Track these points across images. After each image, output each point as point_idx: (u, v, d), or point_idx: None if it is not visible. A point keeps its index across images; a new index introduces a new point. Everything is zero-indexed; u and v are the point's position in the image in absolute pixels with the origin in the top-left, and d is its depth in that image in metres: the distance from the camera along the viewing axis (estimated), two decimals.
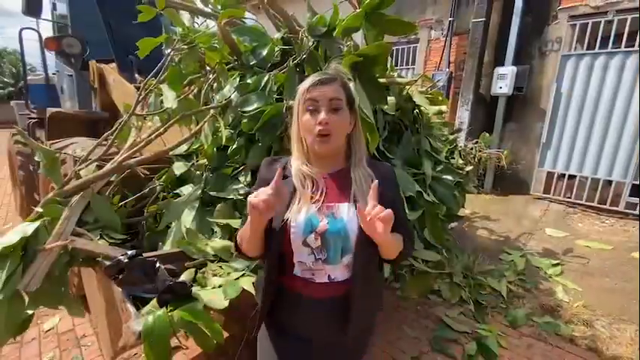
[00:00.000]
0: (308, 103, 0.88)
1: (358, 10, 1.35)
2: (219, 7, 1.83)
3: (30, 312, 1.26)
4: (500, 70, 4.23)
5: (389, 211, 0.77)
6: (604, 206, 3.78)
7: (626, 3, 3.49)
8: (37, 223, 1.32)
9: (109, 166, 1.58)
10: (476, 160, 3.38)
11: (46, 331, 2.24)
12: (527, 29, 4.15)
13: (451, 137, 3.07)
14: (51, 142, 2.47)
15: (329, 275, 0.92)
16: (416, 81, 1.92)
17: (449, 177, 1.95)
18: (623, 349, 2.13)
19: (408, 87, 1.97)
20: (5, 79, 23.72)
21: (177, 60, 1.77)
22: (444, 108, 2.38)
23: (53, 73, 4.87)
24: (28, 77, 3.60)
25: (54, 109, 2.93)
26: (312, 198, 0.92)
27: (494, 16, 4.40)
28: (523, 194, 4.38)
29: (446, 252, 2.21)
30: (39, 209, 1.39)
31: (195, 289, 1.20)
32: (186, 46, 1.70)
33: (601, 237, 3.42)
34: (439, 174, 1.95)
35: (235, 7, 1.74)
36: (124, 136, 1.76)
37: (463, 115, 4.57)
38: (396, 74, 2.18)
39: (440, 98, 2.41)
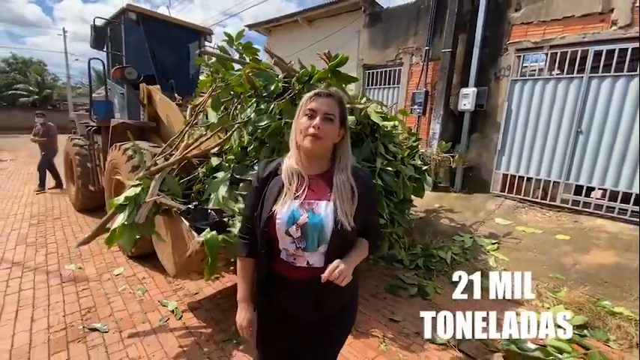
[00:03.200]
0: (308, 110, 1.05)
1: (326, 68, 2.33)
2: (245, 57, 2.83)
3: (138, 236, 2.23)
4: (464, 90, 5.17)
5: (341, 270, 0.97)
6: (545, 201, 4.64)
7: (558, 40, 4.41)
8: (139, 188, 2.29)
9: (174, 158, 2.57)
10: (434, 161, 4.32)
11: (116, 275, 3.20)
12: (485, 58, 5.10)
13: (413, 144, 4.06)
14: (119, 143, 3.47)
15: (307, 261, 1.07)
16: (368, 106, 2.85)
17: (390, 169, 2.83)
18: (534, 300, 2.95)
19: (365, 108, 2.91)
20: (31, 88, 25.48)
21: (217, 91, 2.75)
22: (396, 123, 3.32)
23: (98, 92, 5.96)
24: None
25: (117, 120, 3.96)
26: (296, 194, 1.07)
27: (460, 46, 5.36)
28: (485, 192, 5.25)
29: (397, 226, 3.13)
30: (138, 182, 2.36)
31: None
32: (223, 83, 2.69)
33: (537, 224, 4.28)
34: (386, 167, 2.86)
35: (255, 59, 2.73)
36: (182, 140, 2.74)
37: (435, 127, 5.50)
38: (363, 101, 3.15)
39: (394, 116, 3.34)
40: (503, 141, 5.01)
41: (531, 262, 3.52)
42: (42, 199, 6.00)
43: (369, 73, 7.01)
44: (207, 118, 2.79)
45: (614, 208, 4.14)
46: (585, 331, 2.51)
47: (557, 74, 4.48)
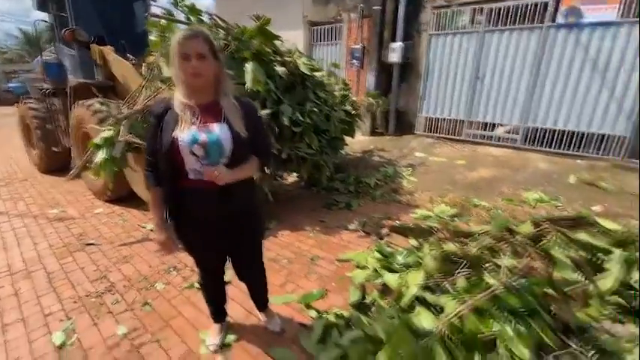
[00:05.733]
0: (182, 53, 1.19)
1: (254, 27, 2.95)
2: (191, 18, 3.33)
3: (115, 169, 2.87)
4: (392, 44, 5.92)
5: (219, 172, 1.24)
6: (454, 137, 5.74)
7: None
8: (112, 131, 2.89)
9: (136, 107, 3.14)
10: (363, 107, 5.17)
11: (97, 213, 3.82)
12: (409, 15, 5.82)
13: (344, 93, 4.84)
14: (82, 101, 3.89)
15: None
16: (293, 55, 3.52)
17: (316, 110, 3.59)
18: (423, 202, 4.01)
19: (293, 59, 3.57)
20: None
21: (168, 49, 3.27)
22: (324, 73, 4.04)
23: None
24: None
25: (77, 81, 4.30)
26: (192, 121, 1.25)
27: (390, 4, 6.01)
28: (411, 134, 6.27)
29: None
30: (110, 127, 2.95)
31: None
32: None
33: (445, 155, 5.37)
34: (313, 109, 3.61)
35: (199, 20, 3.25)
36: (142, 93, 3.28)
37: (370, 79, 6.29)
38: (295, 56, 3.80)
39: (318, 67, 4.05)
40: (424, 89, 5.93)
41: (433, 181, 4.59)
42: (0, 166, 6.17)
43: (314, 29, 7.48)
44: (162, 73, 3.33)
45: (507, 138, 5.31)
46: (455, 218, 3.61)
47: (462, 29, 5.33)
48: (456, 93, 5.60)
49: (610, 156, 4.48)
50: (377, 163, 5.41)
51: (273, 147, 3.13)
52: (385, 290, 2.07)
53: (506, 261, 1.68)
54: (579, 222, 1.97)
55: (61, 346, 1.84)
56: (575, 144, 4.74)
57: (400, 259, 2.31)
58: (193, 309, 2.13)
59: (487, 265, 1.74)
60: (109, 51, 4.36)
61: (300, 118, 3.41)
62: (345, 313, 1.92)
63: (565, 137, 4.79)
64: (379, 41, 6.12)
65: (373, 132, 6.73)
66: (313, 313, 2.02)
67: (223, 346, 1.79)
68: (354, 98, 5.03)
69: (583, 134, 4.65)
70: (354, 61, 6.57)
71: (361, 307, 1.95)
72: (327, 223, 3.47)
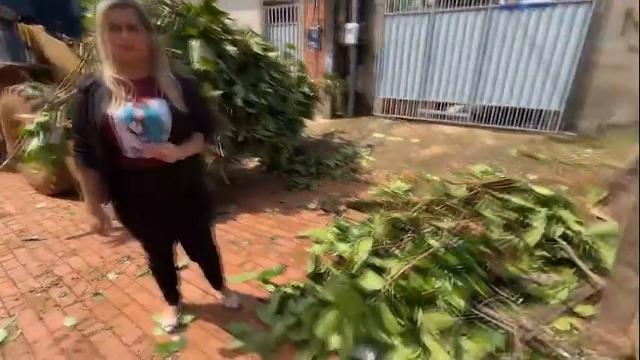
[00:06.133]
0: (110, 24, 1.11)
1: (200, 3, 2.83)
2: None
3: (53, 157, 2.68)
4: (347, 25, 5.93)
5: (165, 148, 1.21)
6: (410, 117, 5.95)
7: None
8: (48, 117, 2.68)
9: (73, 92, 2.92)
10: (319, 89, 5.18)
11: (40, 208, 3.55)
12: None
13: (301, 75, 4.81)
14: (12, 87, 3.54)
15: None
16: (245, 35, 3.44)
17: (270, 91, 3.55)
18: (383, 181, 4.15)
19: (245, 39, 3.48)
20: None
21: None
22: (278, 54, 3.99)
23: None
24: None
25: (3, 63, 3.88)
26: (127, 97, 1.18)
27: None
28: (370, 116, 6.40)
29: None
30: (45, 113, 2.73)
31: None
32: None
33: (402, 134, 5.57)
34: (267, 90, 3.56)
35: None
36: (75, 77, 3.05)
37: (328, 61, 6.29)
38: (248, 36, 3.69)
39: (272, 47, 3.97)
40: (380, 70, 6.04)
41: (390, 160, 4.77)
42: None
43: (269, 9, 7.27)
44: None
45: (456, 116, 5.59)
46: (410, 193, 3.79)
47: (413, 10, 5.46)
48: (410, 74, 5.77)
49: (547, 130, 4.89)
50: (337, 144, 5.49)
51: (221, 125, 3.06)
52: (340, 261, 2.17)
53: (445, 224, 1.82)
54: (509, 186, 2.17)
55: (2, 343, 1.74)
56: (517, 120, 5.11)
57: (355, 231, 2.41)
58: (148, 295, 2.09)
59: (429, 229, 1.87)
60: (39, 30, 3.98)
61: (255, 99, 3.36)
62: (302, 285, 1.99)
63: (509, 114, 5.14)
64: (335, 22, 6.10)
65: (334, 115, 6.78)
66: (272, 288, 2.07)
67: (180, 327, 1.79)
68: (312, 80, 5.02)
69: (524, 110, 5.02)
70: (312, 42, 6.51)
71: (317, 277, 2.02)
72: (287, 204, 3.50)
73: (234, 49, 3.29)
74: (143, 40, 1.17)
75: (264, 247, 2.65)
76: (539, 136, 4.87)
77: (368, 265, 1.81)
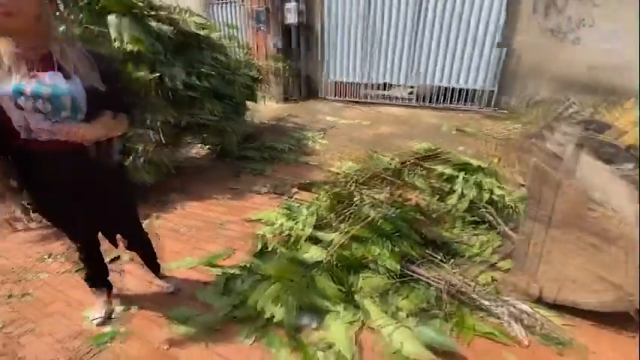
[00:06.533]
0: None
1: None
2: None
3: None
4: (286, 5, 5.83)
5: (82, 132, 1.13)
6: (360, 100, 6.08)
7: None
8: None
9: None
10: (267, 72, 5.11)
11: None
12: None
13: (248, 57, 4.68)
14: None
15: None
16: (180, 13, 3.26)
17: (214, 73, 3.42)
18: (335, 163, 4.21)
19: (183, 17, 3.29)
20: None
21: None
22: (218, 34, 3.83)
23: None
24: None
25: None
26: (20, 72, 1.08)
27: None
28: (322, 99, 6.44)
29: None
30: None
31: None
32: None
33: (353, 117, 5.69)
34: (211, 72, 3.43)
35: None
36: None
37: (275, 42, 6.17)
38: (185, 15, 3.48)
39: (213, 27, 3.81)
40: (324, 52, 6.05)
41: (341, 142, 4.86)
42: None
43: None
44: None
45: (403, 98, 5.81)
46: (359, 172, 3.91)
47: None
48: (352, 55, 5.86)
49: (483, 108, 5.28)
50: (290, 128, 5.46)
51: (157, 110, 2.90)
52: (288, 239, 2.21)
53: (380, 195, 1.93)
54: (438, 157, 2.34)
55: None
56: (457, 99, 5.45)
57: (305, 211, 2.45)
58: (79, 291, 1.97)
59: (368, 201, 1.97)
60: None
61: (197, 82, 3.23)
62: (249, 265, 2.00)
63: (449, 93, 5.46)
64: (280, 2, 5.97)
65: (286, 99, 6.71)
66: (219, 271, 2.05)
67: (110, 318, 1.73)
68: (260, 63, 4.91)
69: (461, 90, 5.35)
70: (260, 24, 6.32)
71: (264, 256, 2.04)
72: (238, 190, 3.45)
73: (170, 28, 3.10)
74: (26, 5, 1.04)
75: (212, 233, 2.61)
76: (476, 114, 5.24)
77: (312, 240, 1.87)
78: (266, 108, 6.35)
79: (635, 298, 1.34)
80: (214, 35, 3.75)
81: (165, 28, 3.02)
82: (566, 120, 2.35)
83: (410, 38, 5.36)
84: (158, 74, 2.87)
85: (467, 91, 5.34)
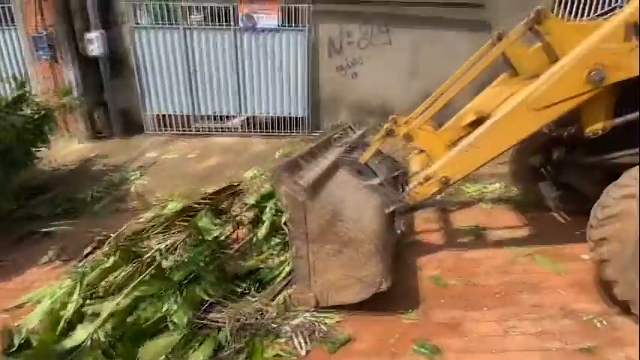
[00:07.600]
0: None
1: None
2: None
3: None
4: (88, 35, 5.13)
5: None
6: (186, 132, 5.85)
7: None
8: None
9: None
10: (54, 108, 4.26)
11: None
12: (100, 2, 5.19)
13: (21, 93, 3.79)
14: None
15: None
16: None
17: None
18: (154, 203, 3.83)
19: None
20: None
21: None
22: None
23: None
24: None
25: None
26: None
27: None
28: (142, 134, 5.85)
29: None
30: None
31: None
32: None
33: (179, 151, 5.39)
34: None
35: None
36: None
37: (70, 75, 5.25)
38: None
39: None
40: (141, 85, 5.59)
41: (165, 179, 4.52)
42: None
43: None
44: None
45: (236, 128, 5.90)
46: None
47: (162, 25, 5.33)
48: (175, 89, 5.64)
49: (301, 132, 5.94)
50: (99, 172, 4.71)
51: None
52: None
53: (162, 245, 1.84)
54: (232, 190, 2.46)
55: None
56: (279, 126, 5.94)
57: (94, 274, 2.09)
58: None
59: (152, 251, 1.85)
60: None
61: None
62: None
63: (272, 121, 5.91)
64: (71, 30, 5.14)
65: (96, 136, 5.76)
66: None
67: None
68: (39, 99, 4.04)
69: (283, 118, 5.88)
70: (41, 52, 5.23)
71: (19, 352, 1.60)
72: (8, 265, 2.68)
73: None
74: None
75: None
76: (296, 138, 5.84)
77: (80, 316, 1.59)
78: (66, 150, 5.30)
79: None
80: None
81: None
82: (333, 143, 2.84)
83: (232, 71, 5.54)
84: None
85: (290, 118, 5.90)
